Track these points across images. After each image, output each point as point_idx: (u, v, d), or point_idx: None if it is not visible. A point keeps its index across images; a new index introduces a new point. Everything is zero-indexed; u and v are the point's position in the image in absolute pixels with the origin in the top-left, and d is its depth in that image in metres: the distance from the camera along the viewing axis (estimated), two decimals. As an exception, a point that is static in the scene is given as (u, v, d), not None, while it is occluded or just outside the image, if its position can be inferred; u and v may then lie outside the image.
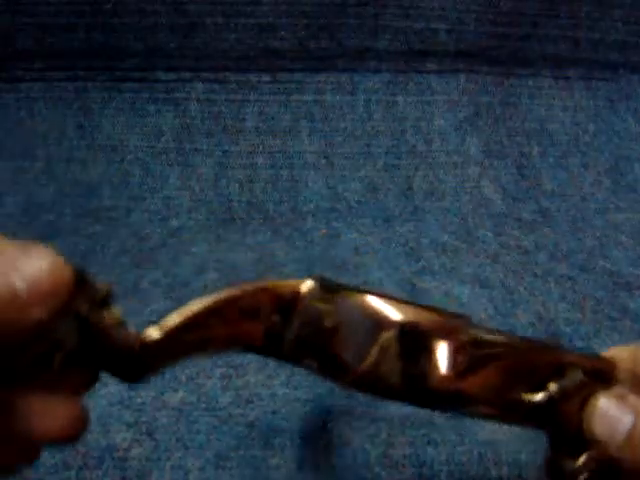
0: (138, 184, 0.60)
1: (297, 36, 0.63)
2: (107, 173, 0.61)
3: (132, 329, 0.24)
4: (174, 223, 0.57)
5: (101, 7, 0.61)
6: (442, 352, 0.26)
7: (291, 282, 0.27)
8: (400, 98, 0.65)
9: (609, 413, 0.24)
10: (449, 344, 0.26)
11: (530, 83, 0.68)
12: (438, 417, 0.37)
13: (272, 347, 0.27)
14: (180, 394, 0.38)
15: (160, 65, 0.64)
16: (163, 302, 0.46)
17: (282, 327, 0.27)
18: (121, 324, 0.24)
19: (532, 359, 0.26)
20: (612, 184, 0.64)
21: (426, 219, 0.58)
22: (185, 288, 0.47)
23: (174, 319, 0.25)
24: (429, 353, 0.26)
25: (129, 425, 0.36)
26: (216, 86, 0.64)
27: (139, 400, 0.37)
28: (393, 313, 0.26)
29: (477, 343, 0.26)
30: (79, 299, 0.23)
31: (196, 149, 0.62)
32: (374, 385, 0.26)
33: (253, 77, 0.64)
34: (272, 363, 0.40)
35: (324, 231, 0.56)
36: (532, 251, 0.54)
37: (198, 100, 0.63)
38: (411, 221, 0.58)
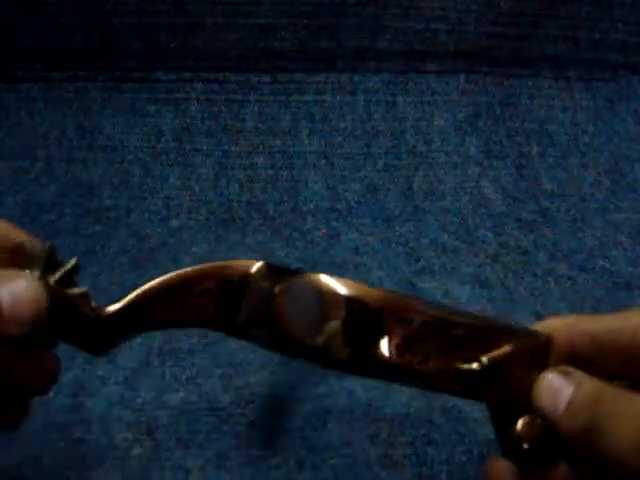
0: (138, 184, 0.60)
1: (297, 36, 0.63)
2: (107, 173, 0.61)
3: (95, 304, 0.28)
4: (174, 223, 0.57)
5: (101, 7, 0.61)
6: (389, 329, 0.27)
7: (241, 262, 0.29)
8: (400, 98, 0.65)
9: (554, 386, 0.26)
10: (395, 321, 0.27)
11: (530, 83, 0.68)
12: (438, 417, 0.37)
13: (222, 323, 0.29)
14: (180, 394, 0.38)
15: (160, 65, 0.64)
16: (163, 302, 0.46)
17: (232, 305, 0.29)
18: (85, 296, 0.28)
19: (473, 333, 0.27)
20: (612, 184, 0.64)
21: (426, 219, 0.58)
22: (185, 288, 0.47)
23: (131, 295, 0.27)
24: (376, 330, 0.27)
25: (129, 425, 0.36)
26: (216, 86, 0.64)
27: (139, 400, 0.37)
28: (341, 290, 0.27)
29: (423, 321, 0.27)
30: (48, 276, 0.27)
31: (196, 149, 0.62)
32: (323, 359, 0.28)
33: (253, 77, 0.64)
34: (273, 363, 0.40)
35: (324, 231, 0.56)
36: (532, 251, 0.54)
37: (198, 100, 0.63)
38: (411, 221, 0.58)
